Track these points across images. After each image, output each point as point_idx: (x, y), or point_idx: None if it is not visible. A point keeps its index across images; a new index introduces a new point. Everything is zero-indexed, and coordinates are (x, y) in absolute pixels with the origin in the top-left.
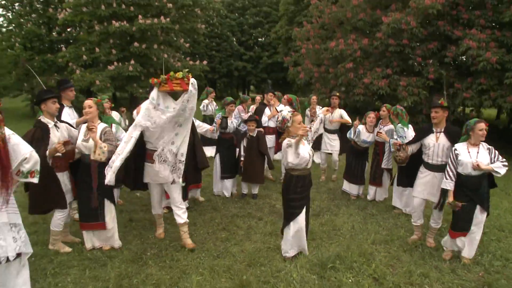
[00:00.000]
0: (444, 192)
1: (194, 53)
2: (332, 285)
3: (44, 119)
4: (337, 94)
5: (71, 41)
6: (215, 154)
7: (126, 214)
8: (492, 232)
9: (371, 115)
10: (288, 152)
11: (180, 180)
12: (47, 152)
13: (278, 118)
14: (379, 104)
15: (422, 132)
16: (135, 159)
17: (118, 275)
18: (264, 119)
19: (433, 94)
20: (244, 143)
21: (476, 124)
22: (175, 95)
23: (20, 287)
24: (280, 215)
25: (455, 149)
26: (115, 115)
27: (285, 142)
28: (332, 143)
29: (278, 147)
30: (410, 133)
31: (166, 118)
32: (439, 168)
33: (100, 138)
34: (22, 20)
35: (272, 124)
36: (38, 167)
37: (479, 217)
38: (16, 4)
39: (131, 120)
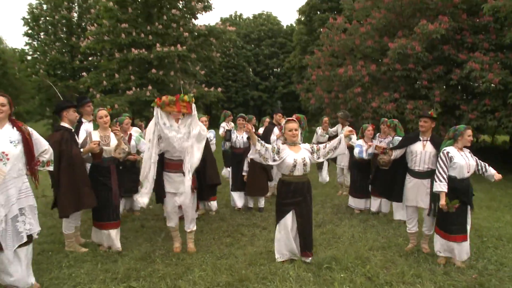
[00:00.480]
0: (434, 198)
1: (211, 83)
2: (326, 282)
3: (64, 124)
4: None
5: (91, 68)
6: (230, 167)
7: (138, 221)
8: (490, 241)
9: (370, 128)
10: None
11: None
12: (82, 150)
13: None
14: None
15: (408, 139)
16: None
17: (127, 269)
18: (273, 138)
19: (440, 117)
20: (248, 158)
21: (466, 130)
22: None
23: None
24: None
25: (448, 152)
26: (135, 130)
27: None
28: (345, 158)
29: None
30: None
31: (172, 136)
32: (425, 175)
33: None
34: (46, 48)
35: (280, 143)
36: (52, 158)
37: (469, 217)
38: (42, 33)
39: None
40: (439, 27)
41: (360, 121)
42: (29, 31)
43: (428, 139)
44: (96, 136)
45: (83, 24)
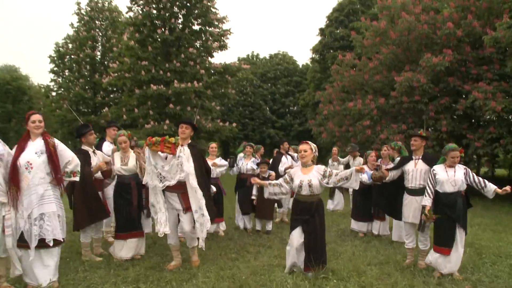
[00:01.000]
0: (423, 212)
1: (229, 121)
2: (319, 286)
3: (84, 147)
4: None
5: (112, 104)
6: (235, 191)
7: (150, 239)
8: (488, 257)
9: (372, 154)
10: None
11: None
12: (92, 168)
13: None
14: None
15: (403, 160)
16: None
17: (137, 275)
18: (281, 168)
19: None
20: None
21: (450, 152)
22: None
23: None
24: None
25: (433, 170)
26: None
27: None
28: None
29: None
30: None
31: (157, 172)
32: (418, 192)
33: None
34: (70, 84)
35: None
36: (78, 169)
37: (458, 234)
38: (66, 70)
39: None
40: (443, 60)
41: None
42: (55, 69)
43: (420, 157)
44: (117, 157)
45: (105, 62)
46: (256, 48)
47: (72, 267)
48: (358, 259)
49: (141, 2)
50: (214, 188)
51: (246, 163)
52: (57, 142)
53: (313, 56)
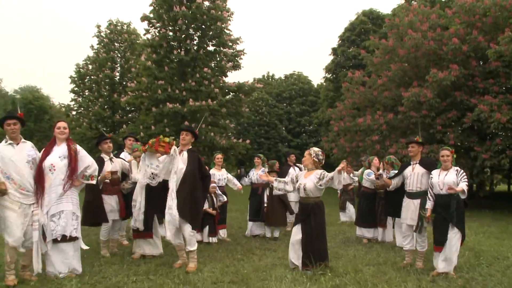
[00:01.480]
0: (421, 216)
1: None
2: (316, 282)
3: (102, 155)
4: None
5: (130, 122)
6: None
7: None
8: (486, 259)
9: (376, 159)
10: None
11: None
12: (99, 177)
13: None
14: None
15: (403, 167)
16: None
17: (147, 269)
18: (287, 179)
19: (458, 161)
20: (267, 192)
21: (440, 151)
22: None
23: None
24: None
25: (431, 174)
26: None
27: None
28: None
29: None
30: None
31: (150, 171)
32: (416, 195)
33: None
34: (90, 103)
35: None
36: (96, 173)
37: (451, 233)
38: (86, 90)
39: None
40: (449, 75)
41: None
42: (75, 89)
43: (417, 162)
44: (134, 166)
45: (124, 82)
46: (272, 69)
47: (89, 262)
48: (357, 260)
49: (158, 24)
50: (225, 198)
51: (256, 172)
52: (79, 148)
53: (326, 75)
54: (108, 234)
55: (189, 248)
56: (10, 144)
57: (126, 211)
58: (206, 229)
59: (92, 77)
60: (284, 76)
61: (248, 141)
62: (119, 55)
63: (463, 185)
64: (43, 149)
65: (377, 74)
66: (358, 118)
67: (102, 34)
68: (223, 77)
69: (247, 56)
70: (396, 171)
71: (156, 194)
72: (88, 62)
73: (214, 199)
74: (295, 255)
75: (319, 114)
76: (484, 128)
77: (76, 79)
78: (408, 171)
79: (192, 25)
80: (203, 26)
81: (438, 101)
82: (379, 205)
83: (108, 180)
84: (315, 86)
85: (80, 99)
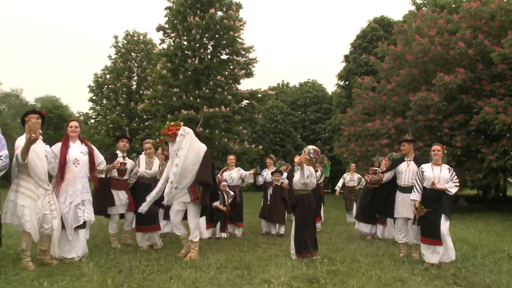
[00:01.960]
0: (415, 206)
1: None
2: (314, 266)
3: (117, 151)
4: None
5: (146, 130)
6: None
7: (174, 237)
8: (482, 252)
9: (386, 159)
10: None
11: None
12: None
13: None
14: None
15: (396, 162)
16: None
17: (158, 257)
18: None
19: (465, 163)
20: (270, 191)
21: (432, 146)
22: None
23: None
24: None
25: (421, 168)
26: None
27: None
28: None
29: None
30: None
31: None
32: (410, 190)
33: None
34: (108, 112)
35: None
36: (105, 168)
37: (445, 224)
38: (104, 99)
39: None
40: (455, 78)
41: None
42: (94, 97)
43: (411, 159)
44: (143, 161)
45: (141, 90)
46: (287, 77)
47: (105, 251)
48: (356, 252)
49: (173, 34)
50: (232, 193)
51: (268, 172)
52: (93, 146)
53: (339, 82)
54: (117, 227)
55: (192, 239)
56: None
57: (135, 204)
58: (218, 225)
59: (110, 86)
60: (298, 84)
61: (261, 147)
62: (135, 65)
63: (452, 185)
64: (61, 146)
65: (386, 80)
66: (368, 123)
67: (119, 44)
68: (236, 84)
69: (261, 65)
70: None
71: None
72: (106, 72)
73: (225, 197)
74: (292, 243)
75: (332, 120)
76: (490, 130)
77: (94, 88)
78: (403, 167)
79: (206, 35)
80: (216, 36)
81: (445, 105)
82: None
83: (116, 169)
84: (330, 93)
85: (98, 107)
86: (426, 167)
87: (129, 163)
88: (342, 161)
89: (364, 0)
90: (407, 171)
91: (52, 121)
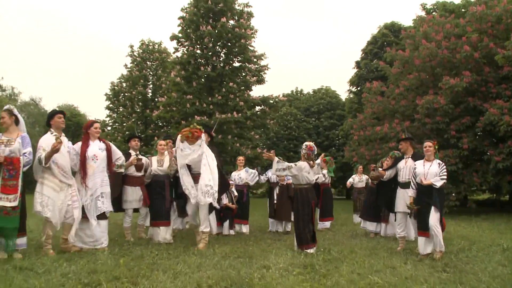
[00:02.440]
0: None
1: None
2: (311, 256)
3: (130, 150)
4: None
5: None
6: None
7: (184, 233)
8: (479, 246)
9: (388, 159)
10: None
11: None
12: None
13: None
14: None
15: (396, 160)
16: None
17: (167, 247)
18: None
19: (473, 165)
20: (276, 190)
21: (424, 143)
22: None
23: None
24: None
25: (414, 164)
26: None
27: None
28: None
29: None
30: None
31: (185, 155)
32: (408, 185)
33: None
34: (124, 119)
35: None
36: (124, 164)
37: (435, 215)
38: (121, 107)
39: None
40: (460, 81)
41: None
42: (110, 105)
43: (410, 156)
44: (154, 160)
45: (156, 98)
46: (300, 84)
47: (120, 242)
48: (356, 246)
49: (186, 43)
50: (235, 192)
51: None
52: (110, 143)
53: (350, 88)
54: (130, 221)
55: (202, 229)
56: (55, 135)
57: (149, 199)
58: (227, 223)
59: (126, 94)
60: (312, 91)
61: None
62: (151, 73)
63: (438, 179)
64: (82, 144)
65: (395, 84)
66: (377, 127)
67: (135, 53)
68: (248, 91)
69: (275, 72)
70: None
71: None
72: (122, 80)
73: (233, 195)
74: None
75: (344, 126)
76: (496, 131)
77: (111, 96)
78: (401, 164)
79: (218, 43)
80: (228, 44)
81: (451, 107)
82: None
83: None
84: (343, 100)
85: (115, 115)
86: (419, 164)
87: (143, 159)
88: (352, 165)
89: (376, 7)
90: (405, 168)
91: (70, 129)
